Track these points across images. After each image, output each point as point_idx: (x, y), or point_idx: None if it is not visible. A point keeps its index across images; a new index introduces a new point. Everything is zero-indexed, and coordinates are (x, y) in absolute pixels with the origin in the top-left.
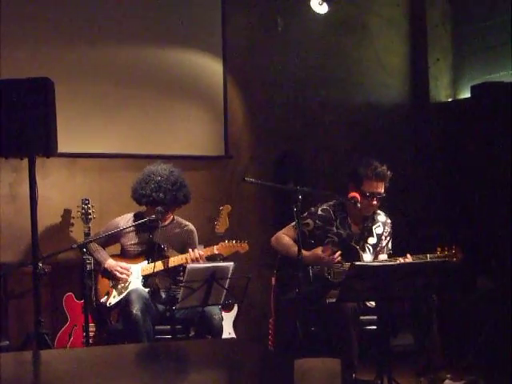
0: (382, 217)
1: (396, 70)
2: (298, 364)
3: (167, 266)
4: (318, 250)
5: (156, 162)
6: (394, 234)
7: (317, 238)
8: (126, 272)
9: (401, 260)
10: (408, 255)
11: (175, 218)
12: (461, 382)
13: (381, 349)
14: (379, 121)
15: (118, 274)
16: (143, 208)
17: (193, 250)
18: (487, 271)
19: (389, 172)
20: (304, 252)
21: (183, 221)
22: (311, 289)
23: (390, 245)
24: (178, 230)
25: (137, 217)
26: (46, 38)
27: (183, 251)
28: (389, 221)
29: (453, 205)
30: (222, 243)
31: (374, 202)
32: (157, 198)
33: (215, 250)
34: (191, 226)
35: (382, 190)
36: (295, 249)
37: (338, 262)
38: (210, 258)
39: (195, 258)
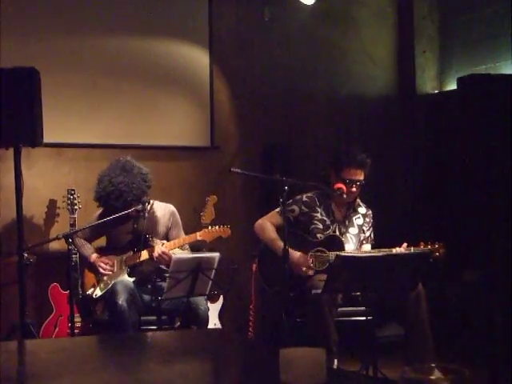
0: (362, 209)
1: (383, 61)
2: (283, 353)
3: (152, 254)
4: (300, 257)
5: (112, 161)
6: (375, 224)
7: (301, 224)
8: (108, 268)
9: (397, 249)
10: (405, 244)
11: (154, 202)
12: (447, 376)
13: (366, 339)
14: (366, 112)
15: (100, 269)
16: None
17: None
18: (473, 263)
19: (368, 159)
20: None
21: (162, 204)
22: (294, 279)
23: (372, 235)
24: (160, 214)
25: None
26: (32, 27)
27: (168, 234)
28: (369, 212)
29: (438, 196)
30: (205, 229)
31: (354, 189)
32: (103, 205)
33: (198, 236)
34: (171, 207)
35: (362, 178)
36: (279, 243)
37: (307, 275)
38: (194, 246)
39: (159, 255)
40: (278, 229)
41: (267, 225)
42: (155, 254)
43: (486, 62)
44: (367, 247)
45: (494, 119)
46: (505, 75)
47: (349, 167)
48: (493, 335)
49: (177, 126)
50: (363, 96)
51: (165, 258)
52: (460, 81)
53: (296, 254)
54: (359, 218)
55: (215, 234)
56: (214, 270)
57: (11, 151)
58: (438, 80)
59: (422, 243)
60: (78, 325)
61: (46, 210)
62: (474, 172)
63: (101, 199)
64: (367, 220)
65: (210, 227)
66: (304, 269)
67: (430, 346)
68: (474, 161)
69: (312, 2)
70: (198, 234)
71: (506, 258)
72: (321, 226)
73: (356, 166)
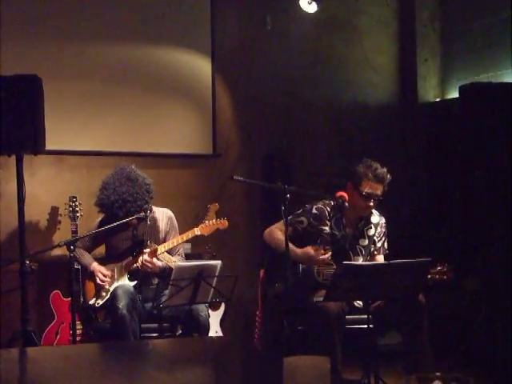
0: (375, 218)
1: (384, 69)
2: (287, 362)
3: (152, 257)
4: (310, 250)
5: (115, 168)
6: (388, 234)
7: (310, 236)
8: (105, 279)
9: None
10: None
11: (152, 207)
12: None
13: (368, 348)
14: (367, 120)
15: (98, 280)
16: None
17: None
18: (473, 271)
19: (389, 175)
20: (295, 249)
21: (159, 208)
22: (298, 287)
23: (385, 245)
24: (159, 219)
25: (105, 219)
26: (34, 35)
27: (165, 239)
28: (383, 221)
29: (439, 205)
30: (202, 224)
31: (371, 204)
32: (104, 213)
33: (196, 231)
34: (169, 212)
35: (380, 193)
36: (289, 246)
37: (328, 263)
38: (195, 254)
39: (142, 264)
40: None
41: (276, 232)
42: (139, 263)
43: (487, 70)
44: (380, 259)
45: (496, 127)
46: (506, 84)
47: (368, 180)
48: (493, 343)
49: (179, 133)
50: (365, 104)
51: (149, 266)
52: (462, 89)
53: (302, 250)
54: (371, 228)
55: (213, 228)
56: (215, 278)
57: (13, 158)
58: (439, 88)
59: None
60: (80, 332)
61: (47, 217)
62: (475, 180)
63: (103, 206)
64: (379, 230)
65: (207, 221)
66: (319, 253)
67: (430, 356)
68: (475, 169)
69: (314, 11)
70: (196, 229)
71: (506, 266)
72: (329, 239)
73: (376, 180)
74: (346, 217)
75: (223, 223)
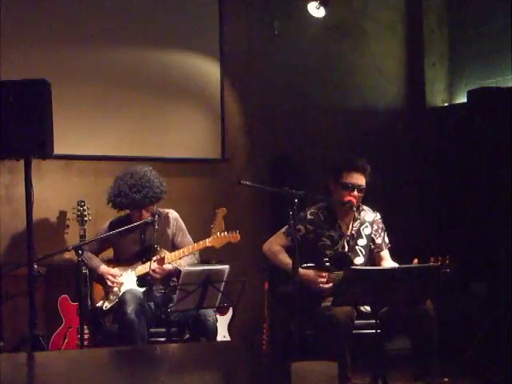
0: (369, 215)
1: (392, 74)
2: (295, 367)
3: (162, 265)
4: (310, 273)
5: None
6: (386, 227)
7: (309, 243)
8: (116, 280)
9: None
10: (415, 260)
11: (156, 210)
12: None
13: (375, 353)
14: (375, 125)
15: (108, 282)
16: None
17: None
18: (481, 276)
19: (368, 166)
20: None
21: (163, 210)
22: (305, 292)
23: (386, 239)
24: (164, 221)
25: (114, 222)
26: (43, 39)
27: (173, 240)
28: (378, 217)
29: (447, 209)
30: (214, 236)
31: (355, 193)
32: (118, 203)
33: (207, 242)
34: (174, 213)
35: (363, 183)
36: (287, 260)
37: (327, 290)
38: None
39: (152, 273)
40: (286, 249)
41: (275, 246)
42: (148, 270)
43: (495, 75)
44: (385, 254)
45: (504, 132)
46: None
47: (348, 171)
48: (502, 348)
49: (187, 138)
50: (373, 109)
51: (158, 273)
52: (470, 94)
53: (309, 271)
54: (367, 227)
55: (225, 240)
56: (223, 283)
57: (22, 163)
58: (447, 93)
59: (432, 259)
60: (87, 336)
61: (56, 221)
62: (483, 185)
63: (120, 194)
64: (375, 227)
65: (219, 233)
66: (320, 280)
67: (438, 361)
68: (483, 174)
69: (322, 16)
70: (207, 240)
71: None
72: (329, 242)
73: (355, 170)
74: (340, 217)
75: (235, 237)
